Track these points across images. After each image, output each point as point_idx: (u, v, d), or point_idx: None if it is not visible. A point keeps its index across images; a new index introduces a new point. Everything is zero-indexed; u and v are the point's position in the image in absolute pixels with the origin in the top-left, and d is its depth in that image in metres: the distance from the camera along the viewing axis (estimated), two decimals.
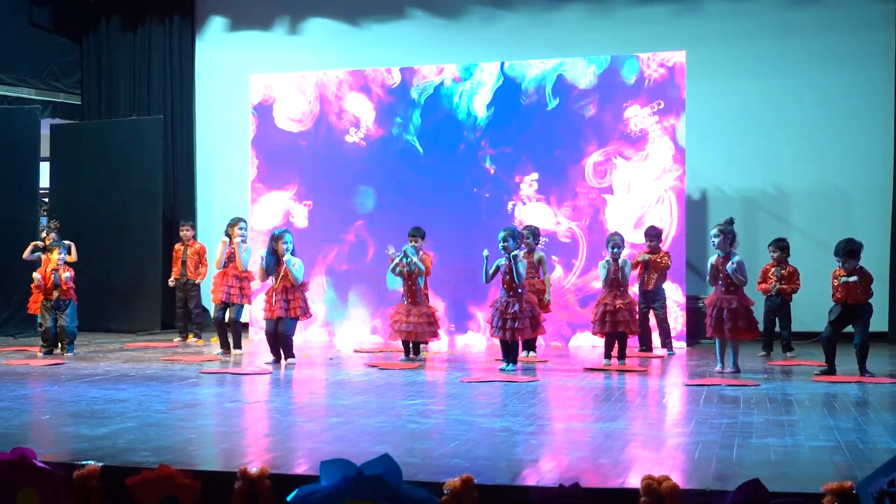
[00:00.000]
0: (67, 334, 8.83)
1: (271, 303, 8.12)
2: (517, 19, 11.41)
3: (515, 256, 7.75)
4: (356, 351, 9.48)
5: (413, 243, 8.56)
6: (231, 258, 8.90)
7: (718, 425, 4.95)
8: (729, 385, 6.64)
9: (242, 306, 9.05)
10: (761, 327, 9.00)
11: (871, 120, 10.42)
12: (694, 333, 9.86)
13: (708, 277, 7.66)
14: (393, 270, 8.48)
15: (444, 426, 5.09)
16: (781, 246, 8.94)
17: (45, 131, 11.93)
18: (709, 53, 10.62)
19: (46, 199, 12.39)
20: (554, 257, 10.01)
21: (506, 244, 7.77)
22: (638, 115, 9.94)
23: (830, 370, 7.24)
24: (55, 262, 8.92)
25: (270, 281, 8.22)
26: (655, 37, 10.65)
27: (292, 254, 8.19)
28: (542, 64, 10.26)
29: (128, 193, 11.69)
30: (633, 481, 3.59)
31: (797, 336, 9.17)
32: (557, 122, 10.19)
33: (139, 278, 11.61)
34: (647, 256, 9.08)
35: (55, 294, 8.86)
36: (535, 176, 10.21)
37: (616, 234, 8.45)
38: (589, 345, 9.64)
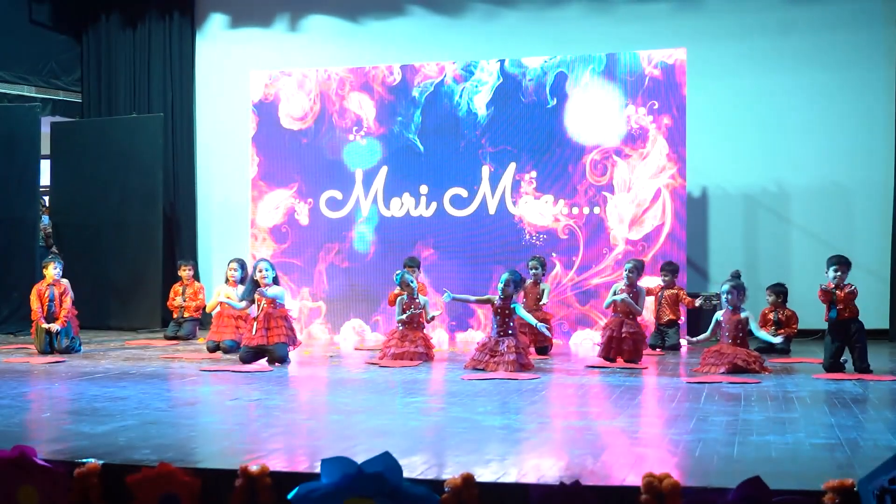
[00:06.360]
0: (67, 349, 8.65)
1: (251, 331, 7.89)
2: (517, 16, 11.40)
3: (513, 309, 7.51)
4: (357, 349, 9.48)
5: (411, 274, 8.39)
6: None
7: (719, 423, 4.95)
8: (730, 382, 6.64)
9: (236, 343, 8.69)
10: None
11: (872, 117, 10.42)
12: (694, 331, 9.83)
13: (709, 331, 7.66)
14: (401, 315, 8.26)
15: (445, 424, 5.08)
16: (777, 291, 9.08)
17: (45, 129, 11.92)
18: (710, 50, 10.61)
19: (46, 197, 12.38)
20: (553, 254, 10.03)
21: (506, 288, 7.53)
22: (638, 113, 9.93)
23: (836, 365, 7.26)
24: (51, 277, 8.80)
25: (254, 309, 7.95)
26: (656, 34, 10.66)
27: (274, 282, 7.98)
28: (542, 62, 10.25)
29: (128, 191, 11.68)
30: (634, 479, 3.58)
31: (797, 335, 9.15)
32: (557, 119, 10.18)
33: (139, 276, 11.60)
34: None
35: (49, 309, 8.64)
36: (534, 174, 10.21)
37: (635, 259, 8.40)
38: (589, 342, 9.66)
